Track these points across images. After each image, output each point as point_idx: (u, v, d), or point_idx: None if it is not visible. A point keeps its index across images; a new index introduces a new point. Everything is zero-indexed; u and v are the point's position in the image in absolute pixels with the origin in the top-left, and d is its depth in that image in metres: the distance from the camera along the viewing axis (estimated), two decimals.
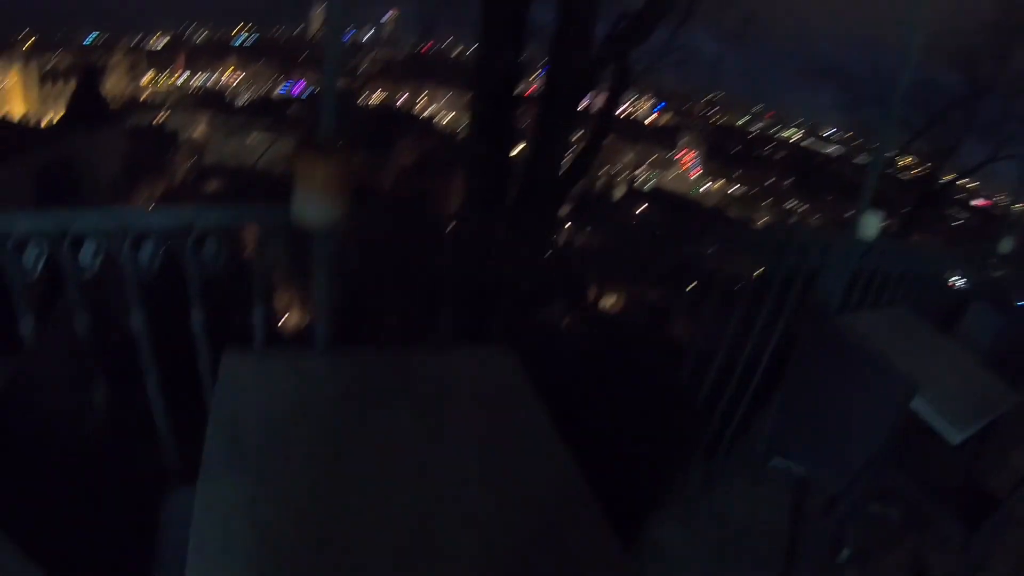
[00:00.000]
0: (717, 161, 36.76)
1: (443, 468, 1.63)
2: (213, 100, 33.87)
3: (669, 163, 36.47)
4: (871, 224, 3.42)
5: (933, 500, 2.57)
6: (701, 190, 35.87)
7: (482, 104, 6.83)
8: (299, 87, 33.39)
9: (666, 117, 38.27)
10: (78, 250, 2.01)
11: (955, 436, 2.49)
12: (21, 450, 1.42)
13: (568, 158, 8.06)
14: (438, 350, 2.10)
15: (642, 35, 8.13)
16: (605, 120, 9.47)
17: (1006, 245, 5.15)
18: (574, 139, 8.59)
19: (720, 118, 38.58)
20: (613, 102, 9.35)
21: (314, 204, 1.81)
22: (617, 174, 33.29)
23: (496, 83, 6.72)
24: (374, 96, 32.56)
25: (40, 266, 2.02)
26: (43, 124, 25.37)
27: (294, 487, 1.50)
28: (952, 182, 18.08)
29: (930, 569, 2.81)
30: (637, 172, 35.21)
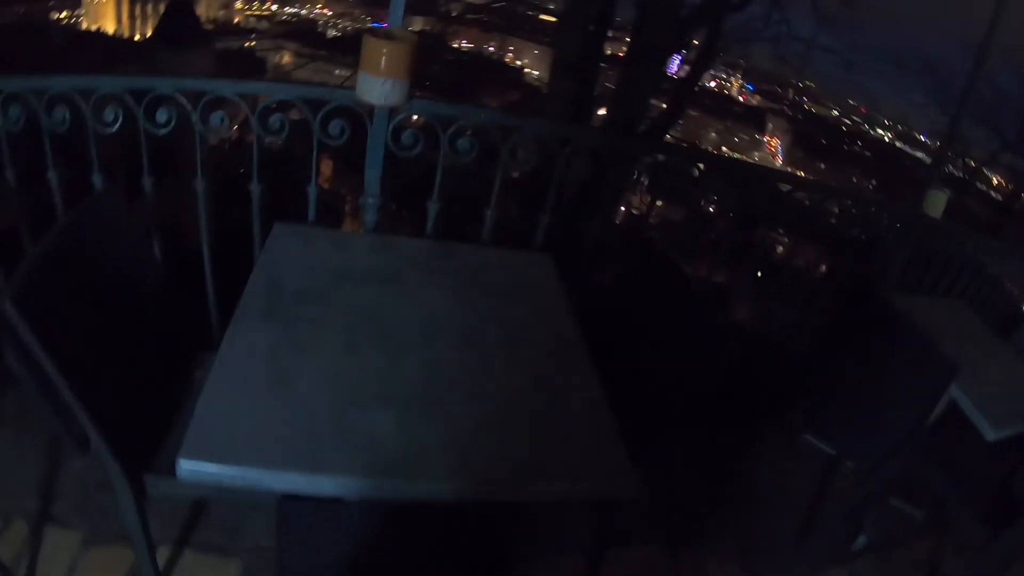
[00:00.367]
0: (802, 151, 35.80)
1: (462, 344, 1.69)
2: (301, 31, 34.20)
3: (755, 145, 35.70)
4: (937, 201, 3.35)
5: (961, 501, 2.51)
6: None
7: (564, 61, 6.72)
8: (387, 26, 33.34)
9: (756, 99, 37.37)
10: (153, 113, 2.14)
11: (991, 432, 2.38)
12: (82, 280, 1.53)
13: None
14: (479, 247, 2.17)
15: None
16: (689, 85, 9.32)
17: None
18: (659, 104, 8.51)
19: (811, 107, 37.44)
20: (700, 67, 9.19)
21: (376, 85, 1.89)
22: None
23: (579, 39, 6.61)
24: (462, 43, 32.44)
25: (118, 123, 2.15)
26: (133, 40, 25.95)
27: (318, 339, 1.59)
28: None
29: (945, 572, 2.76)
30: (722, 149, 34.52)
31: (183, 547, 2.06)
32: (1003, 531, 2.37)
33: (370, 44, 1.88)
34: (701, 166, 2.77)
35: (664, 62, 7.35)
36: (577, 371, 1.67)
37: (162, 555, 2.00)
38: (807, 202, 3.32)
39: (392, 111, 2.10)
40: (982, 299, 4.04)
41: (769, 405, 3.19)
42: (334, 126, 2.10)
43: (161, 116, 2.15)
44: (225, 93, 2.14)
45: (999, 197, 18.14)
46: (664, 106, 9.08)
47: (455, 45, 30.81)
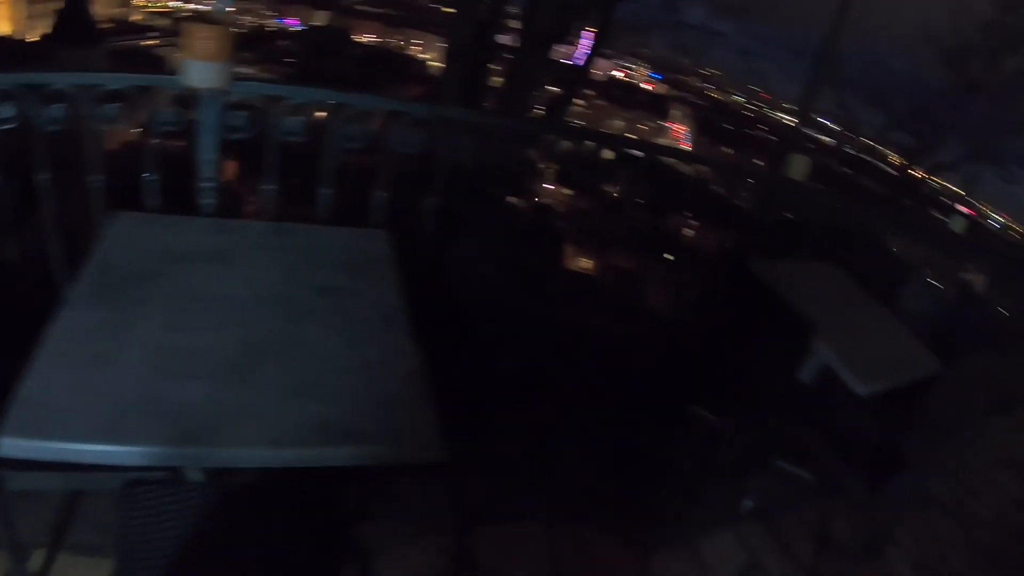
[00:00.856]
0: (707, 137, 36.39)
1: (285, 317, 1.75)
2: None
3: (660, 132, 36.18)
4: (798, 165, 3.48)
5: (846, 463, 2.55)
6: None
7: (458, 51, 6.70)
8: (293, 23, 33.02)
9: (662, 88, 37.80)
10: None
11: (859, 386, 2.47)
12: None
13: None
14: (316, 225, 2.21)
15: None
16: (581, 72, 9.39)
17: (958, 223, 5.16)
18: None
19: (715, 94, 38.04)
20: (591, 54, 9.25)
21: (200, 70, 1.91)
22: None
23: (472, 29, 6.60)
24: (367, 38, 32.13)
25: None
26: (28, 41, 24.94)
27: (142, 318, 1.63)
28: (926, 177, 18.06)
29: (834, 533, 2.83)
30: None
31: (57, 550, 2.06)
32: (884, 486, 2.46)
33: (188, 29, 1.92)
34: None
35: (551, 49, 7.37)
36: (395, 340, 1.74)
37: (37, 559, 2.00)
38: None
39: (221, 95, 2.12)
40: (863, 263, 4.14)
41: (654, 380, 3.25)
42: (164, 114, 2.12)
43: (3, 112, 2.12)
44: (60, 85, 2.13)
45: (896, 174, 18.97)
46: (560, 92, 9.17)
47: (360, 39, 30.48)
